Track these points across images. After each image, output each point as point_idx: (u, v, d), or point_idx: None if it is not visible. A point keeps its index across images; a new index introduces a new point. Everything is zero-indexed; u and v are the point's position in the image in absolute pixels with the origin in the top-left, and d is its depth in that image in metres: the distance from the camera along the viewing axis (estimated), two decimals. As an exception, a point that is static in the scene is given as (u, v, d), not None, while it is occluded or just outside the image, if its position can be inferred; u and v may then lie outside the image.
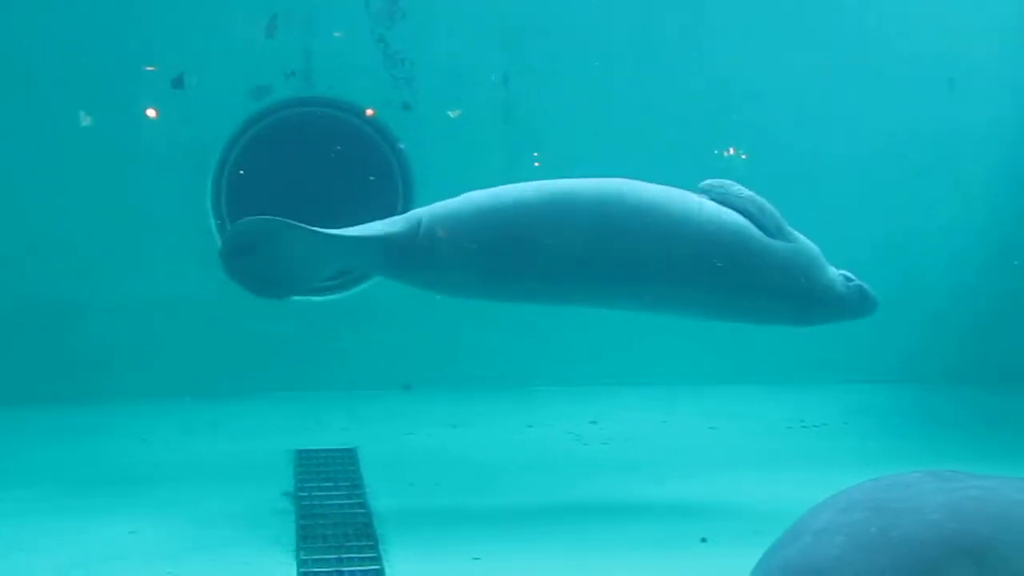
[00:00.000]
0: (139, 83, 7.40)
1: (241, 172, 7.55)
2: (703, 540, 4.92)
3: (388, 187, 7.75)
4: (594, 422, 7.11)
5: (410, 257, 5.55)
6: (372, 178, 7.72)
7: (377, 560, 4.75)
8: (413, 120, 7.70)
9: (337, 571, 4.64)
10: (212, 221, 7.48)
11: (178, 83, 7.41)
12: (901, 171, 7.97)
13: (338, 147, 7.74)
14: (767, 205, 5.58)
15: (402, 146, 7.66)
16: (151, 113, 7.46)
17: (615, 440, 6.82)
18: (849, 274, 5.70)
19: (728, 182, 5.63)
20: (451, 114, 7.77)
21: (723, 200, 5.54)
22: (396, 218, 5.69)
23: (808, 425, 7.14)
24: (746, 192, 5.59)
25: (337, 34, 7.60)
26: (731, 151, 7.92)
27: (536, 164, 7.82)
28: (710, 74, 7.79)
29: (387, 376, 7.53)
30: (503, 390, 7.39)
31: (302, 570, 4.65)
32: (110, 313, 7.36)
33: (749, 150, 7.90)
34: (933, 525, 2.93)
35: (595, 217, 5.44)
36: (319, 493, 5.71)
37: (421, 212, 5.66)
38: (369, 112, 7.69)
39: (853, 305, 5.68)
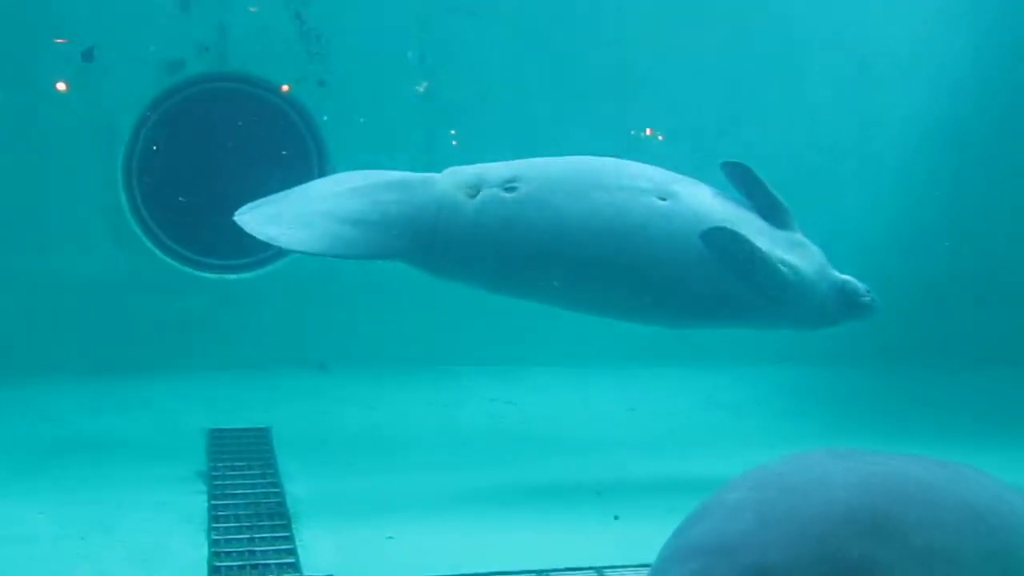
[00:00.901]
0: (49, 56, 7.23)
1: (154, 148, 7.43)
2: (616, 517, 4.96)
3: (303, 164, 7.68)
4: (511, 402, 7.12)
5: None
6: (284, 152, 7.64)
7: (290, 540, 4.72)
8: (329, 97, 7.63)
9: (249, 551, 4.60)
10: (123, 197, 7.36)
11: (88, 56, 7.26)
12: (813, 154, 8.06)
13: (252, 123, 7.65)
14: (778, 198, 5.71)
15: (326, 118, 7.58)
16: (61, 87, 7.30)
17: (532, 420, 6.84)
18: (850, 278, 5.84)
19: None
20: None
21: (741, 182, 5.60)
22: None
23: (721, 405, 7.23)
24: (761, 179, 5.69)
25: (252, 9, 7.49)
26: (647, 132, 7.97)
27: (454, 143, 7.80)
28: (623, 56, 7.82)
29: (303, 355, 7.46)
30: (420, 370, 7.37)
31: (213, 551, 4.60)
32: (19, 288, 7.21)
33: (663, 132, 7.95)
34: (838, 502, 2.98)
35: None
36: (232, 473, 5.66)
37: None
38: (284, 88, 7.61)
39: (850, 311, 5.84)
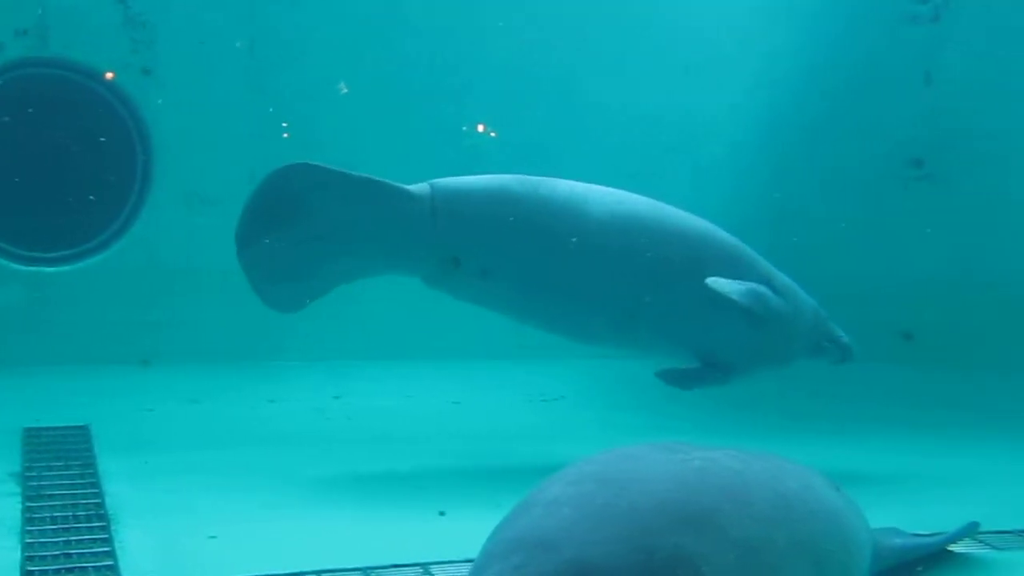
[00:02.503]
0: None
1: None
2: (441, 513, 4.96)
3: (127, 155, 7.49)
4: (337, 397, 7.08)
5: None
6: (107, 142, 7.44)
7: (108, 543, 4.59)
8: (154, 86, 7.45)
9: (65, 554, 4.46)
10: (-66, 185, 7.08)
11: None
12: (643, 152, 8.20)
13: (74, 112, 7.42)
14: (763, 292, 5.86)
15: (160, 102, 7.41)
16: None
17: (359, 415, 6.81)
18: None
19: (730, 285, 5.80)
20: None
21: (724, 297, 5.75)
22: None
23: (547, 399, 7.31)
24: (744, 288, 5.80)
25: (75, -10, 7.29)
26: (480, 127, 8.00)
27: (285, 136, 7.71)
28: (457, 50, 7.84)
29: (124, 350, 7.27)
30: (245, 365, 7.26)
31: (27, 554, 4.45)
32: None
33: (498, 127, 7.99)
34: (657, 495, 3.04)
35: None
36: (49, 473, 5.49)
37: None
38: (108, 76, 7.40)
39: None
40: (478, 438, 6.44)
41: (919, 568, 4.27)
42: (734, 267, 5.91)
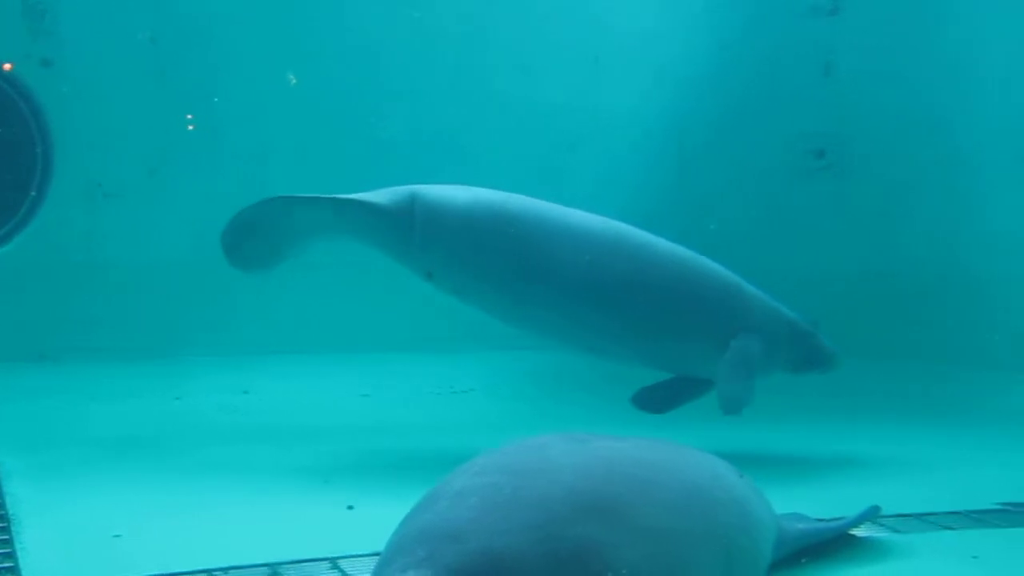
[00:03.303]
0: None
1: None
2: (350, 507, 4.94)
3: (27, 149, 7.34)
4: (246, 392, 7.01)
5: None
6: (4, 135, 7.29)
7: (8, 544, 4.49)
8: (54, 76, 7.31)
9: (-39, 557, 4.36)
10: None
11: None
12: (550, 144, 8.24)
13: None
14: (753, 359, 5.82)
15: (61, 93, 7.26)
16: None
17: (267, 410, 6.75)
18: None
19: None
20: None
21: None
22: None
23: (457, 391, 7.31)
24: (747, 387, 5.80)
25: (-29, -21, 7.13)
26: (383, 121, 7.97)
27: (190, 128, 7.61)
28: (364, 41, 7.80)
29: (24, 346, 7.13)
30: (150, 360, 7.16)
31: (-79, 558, 4.34)
32: None
33: (407, 120, 7.97)
34: (563, 484, 3.06)
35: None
36: (-58, 474, 5.36)
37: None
38: (6, 67, 7.25)
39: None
40: (387, 431, 6.41)
41: (819, 554, 4.34)
42: (719, 295, 5.91)
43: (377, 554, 3.08)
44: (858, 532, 4.60)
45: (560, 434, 3.49)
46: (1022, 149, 7.58)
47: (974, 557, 4.43)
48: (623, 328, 5.80)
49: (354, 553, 4.24)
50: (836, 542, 4.45)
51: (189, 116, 7.63)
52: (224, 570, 4.14)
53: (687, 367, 5.99)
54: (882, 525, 4.76)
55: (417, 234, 5.72)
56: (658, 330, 5.82)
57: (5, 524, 4.70)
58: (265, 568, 4.15)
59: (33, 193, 7.37)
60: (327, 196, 5.62)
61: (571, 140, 8.30)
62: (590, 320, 5.80)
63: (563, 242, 5.73)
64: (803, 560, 4.21)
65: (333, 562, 4.21)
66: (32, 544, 4.49)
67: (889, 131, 8.19)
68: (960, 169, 7.98)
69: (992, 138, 7.78)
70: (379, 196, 5.76)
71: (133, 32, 7.50)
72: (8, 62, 7.26)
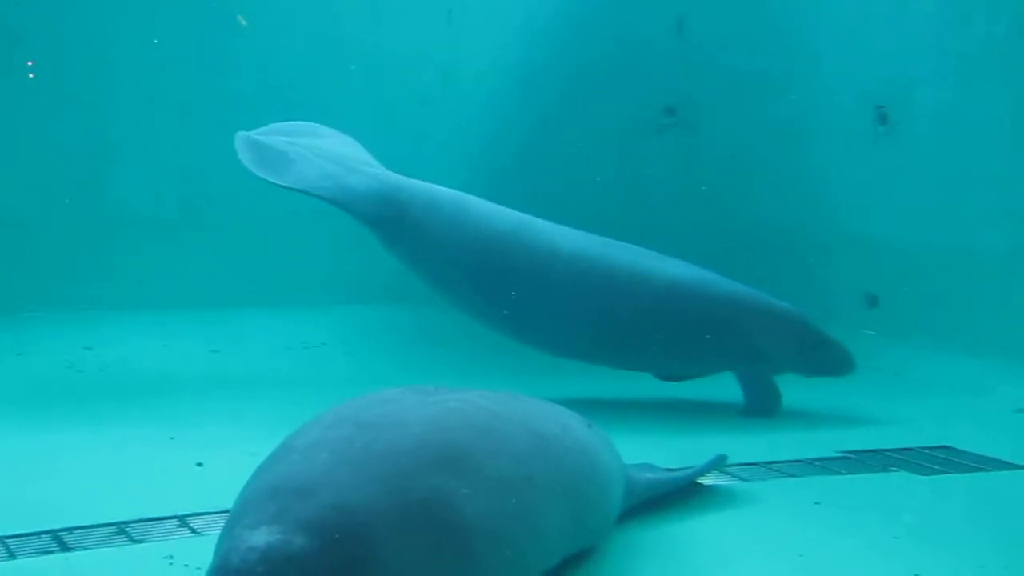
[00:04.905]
0: None
1: None
2: (199, 464, 4.86)
3: None
4: (89, 348, 6.84)
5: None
6: None
7: None
8: None
9: None
10: None
11: None
12: (402, 98, 8.16)
13: None
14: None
15: None
16: None
17: (112, 366, 6.60)
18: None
19: None
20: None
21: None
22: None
23: (309, 346, 7.24)
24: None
25: None
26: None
27: (31, 76, 7.36)
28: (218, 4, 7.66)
29: None
30: (-13, 317, 6.94)
31: None
32: None
33: (258, 70, 7.82)
34: (414, 436, 3.06)
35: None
36: None
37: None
38: None
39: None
40: (237, 386, 6.33)
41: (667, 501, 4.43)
42: (719, 302, 6.20)
43: (227, 511, 3.04)
44: (705, 480, 4.71)
45: (410, 387, 3.49)
46: (868, 110, 7.76)
47: (816, 503, 4.57)
48: (656, 352, 6.14)
49: (204, 511, 4.19)
50: (684, 490, 4.55)
51: (30, 63, 7.37)
52: (70, 530, 4.05)
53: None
54: (728, 473, 4.88)
55: (404, 239, 6.09)
56: (686, 355, 6.22)
57: None
58: (112, 527, 4.07)
59: None
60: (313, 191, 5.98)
61: (423, 93, 8.23)
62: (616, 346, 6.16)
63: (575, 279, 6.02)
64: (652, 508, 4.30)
65: (182, 520, 4.16)
66: None
67: (739, 89, 8.30)
68: (807, 128, 8.14)
69: (839, 99, 7.95)
70: (362, 185, 6.05)
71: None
72: None
